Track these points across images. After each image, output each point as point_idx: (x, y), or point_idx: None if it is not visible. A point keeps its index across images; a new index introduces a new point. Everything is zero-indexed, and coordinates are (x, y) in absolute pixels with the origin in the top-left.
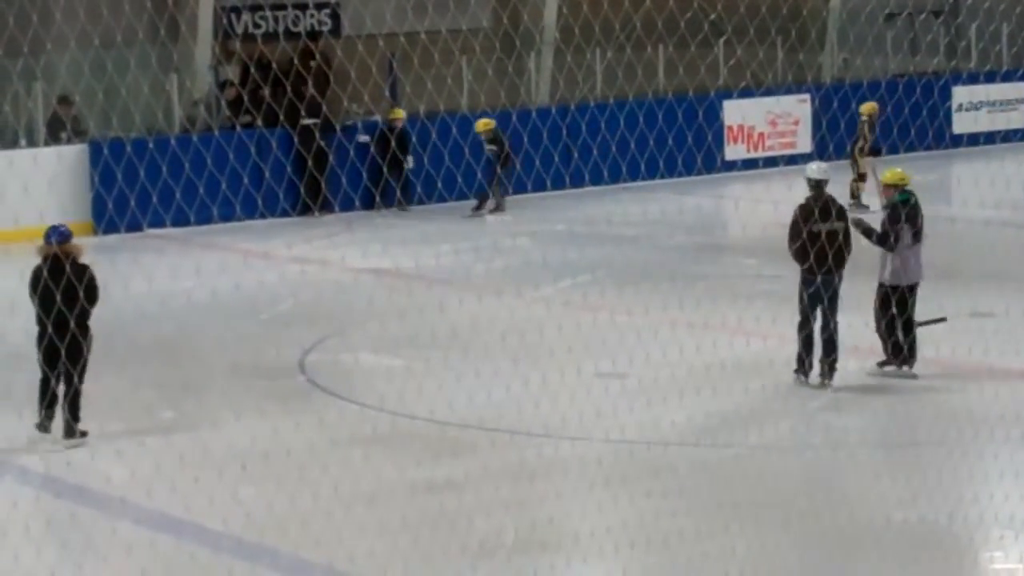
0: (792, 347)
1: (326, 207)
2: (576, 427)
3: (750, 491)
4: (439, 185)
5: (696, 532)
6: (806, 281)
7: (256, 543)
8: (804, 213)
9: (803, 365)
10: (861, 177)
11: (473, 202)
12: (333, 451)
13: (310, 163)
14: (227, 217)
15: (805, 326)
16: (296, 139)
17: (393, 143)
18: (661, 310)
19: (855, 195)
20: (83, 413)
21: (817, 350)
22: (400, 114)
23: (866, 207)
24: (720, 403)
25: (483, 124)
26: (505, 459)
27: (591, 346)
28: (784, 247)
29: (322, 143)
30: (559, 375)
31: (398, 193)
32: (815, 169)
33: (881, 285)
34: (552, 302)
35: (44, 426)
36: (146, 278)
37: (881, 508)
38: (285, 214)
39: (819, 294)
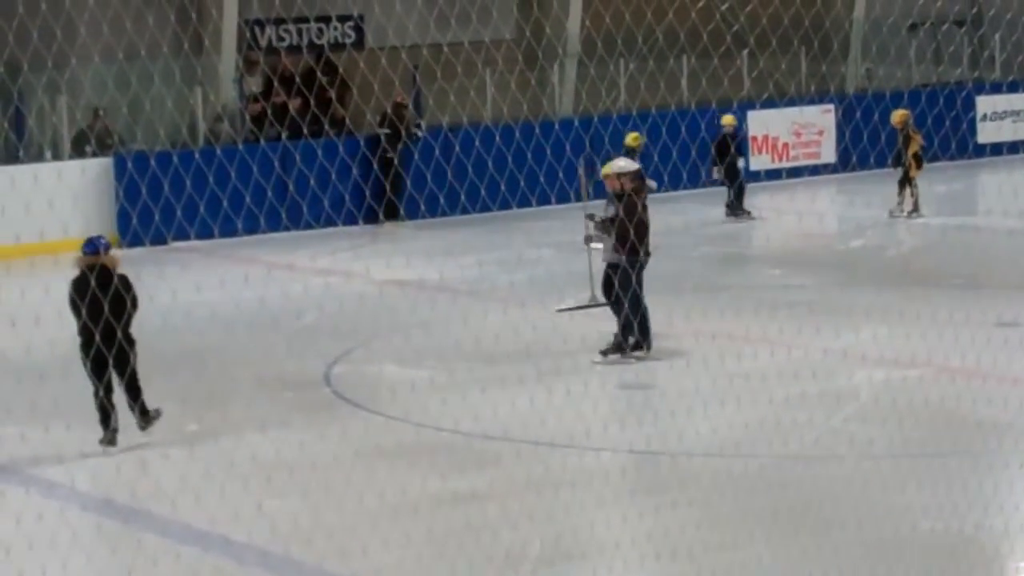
0: (816, 356)
1: (394, 215)
2: (600, 438)
3: (776, 502)
4: (462, 197)
5: (721, 543)
6: (642, 265)
7: (281, 555)
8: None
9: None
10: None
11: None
12: (358, 463)
13: (375, 169)
14: (251, 230)
15: (640, 305)
16: (367, 148)
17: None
18: (685, 320)
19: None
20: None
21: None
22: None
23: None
24: (745, 414)
25: (633, 138)
26: (530, 470)
27: (615, 357)
28: (813, 258)
29: (391, 152)
30: (583, 386)
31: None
32: (622, 165)
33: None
34: (576, 313)
35: (110, 439)
36: (170, 291)
37: (907, 518)
38: (309, 226)
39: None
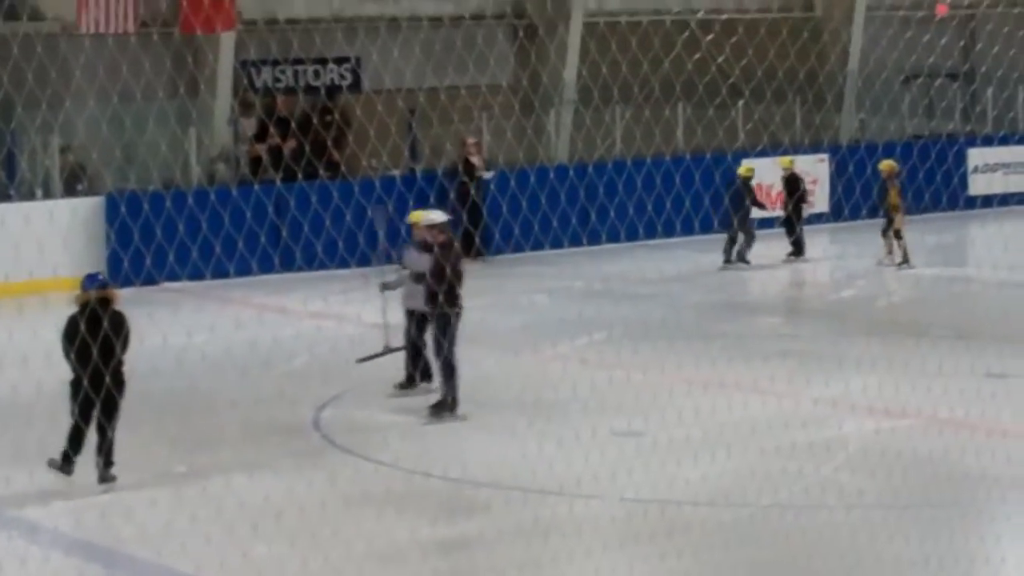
0: (807, 405)
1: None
2: (590, 486)
3: (765, 552)
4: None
5: None
6: (453, 318)
7: None
8: (453, 252)
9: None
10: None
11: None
12: (346, 509)
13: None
14: (243, 272)
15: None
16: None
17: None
18: (677, 369)
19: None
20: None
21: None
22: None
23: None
24: (735, 463)
25: (787, 161)
26: (519, 518)
27: (606, 404)
28: (805, 307)
29: (474, 193)
30: (574, 433)
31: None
32: (433, 217)
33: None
34: (568, 360)
35: (68, 469)
36: (160, 333)
37: (895, 570)
38: (301, 270)
39: None
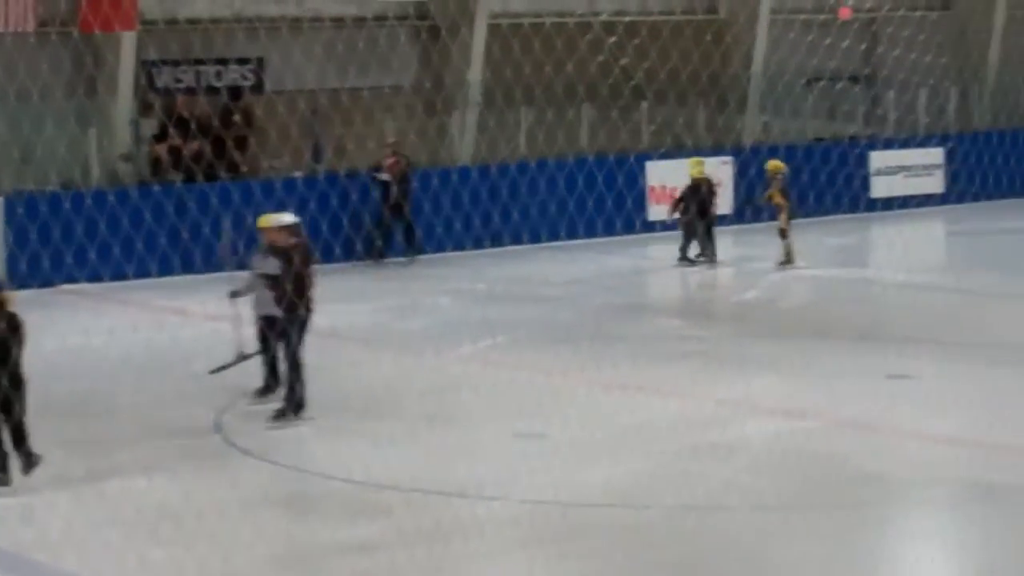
0: (709, 407)
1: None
2: (493, 488)
3: (667, 553)
4: (358, 245)
5: None
6: (304, 321)
7: None
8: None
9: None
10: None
11: None
12: (246, 513)
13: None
14: (143, 274)
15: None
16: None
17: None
18: (580, 371)
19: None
20: None
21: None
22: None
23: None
24: (637, 465)
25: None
26: (420, 521)
27: (509, 406)
28: (707, 309)
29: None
30: (476, 435)
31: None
32: (285, 219)
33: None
34: (471, 362)
35: (4, 480)
36: (59, 335)
37: (796, 570)
38: (201, 271)
39: None
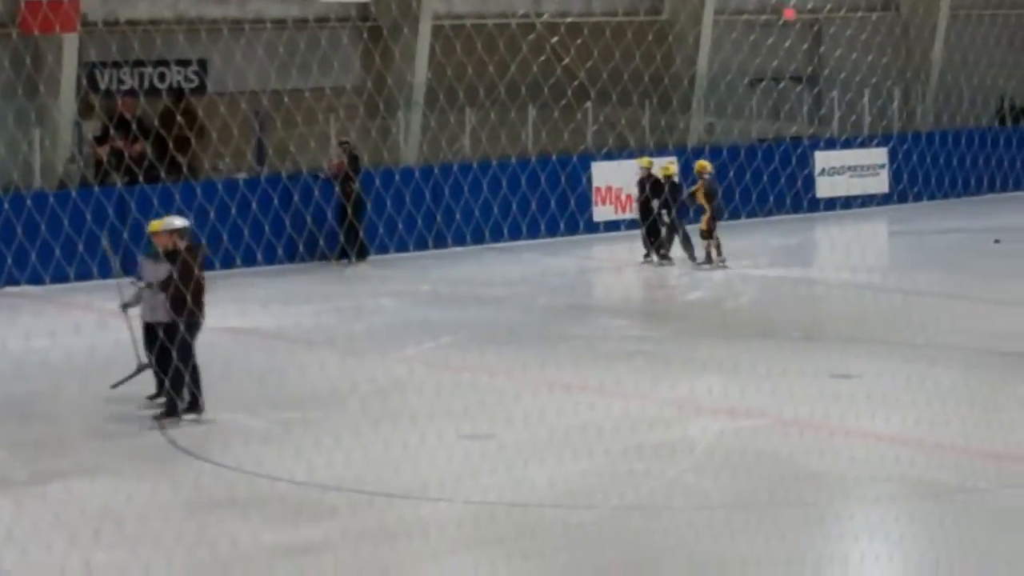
0: (653, 407)
1: (362, 254)
2: (437, 489)
3: (611, 554)
4: (300, 247)
5: None
6: (198, 326)
7: None
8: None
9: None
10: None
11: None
12: (190, 514)
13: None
14: (84, 276)
15: (194, 367)
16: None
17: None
18: (523, 371)
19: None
20: None
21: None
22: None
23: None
24: (581, 465)
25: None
26: (365, 522)
27: (453, 408)
28: (652, 309)
29: (359, 191)
30: (420, 437)
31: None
32: (177, 223)
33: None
34: (414, 363)
35: None
36: None
37: (741, 570)
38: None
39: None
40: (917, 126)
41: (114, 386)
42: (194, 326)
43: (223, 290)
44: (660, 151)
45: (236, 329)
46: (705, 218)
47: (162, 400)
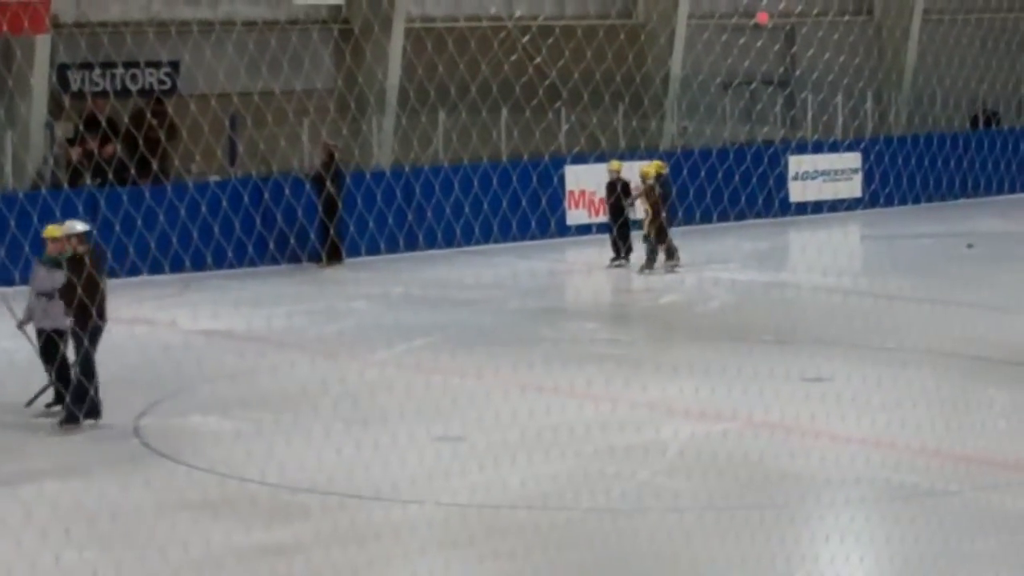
0: (625, 409)
1: (334, 257)
2: (408, 491)
3: (584, 555)
4: (271, 247)
5: None
6: (99, 330)
7: None
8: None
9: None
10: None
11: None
12: (162, 515)
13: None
14: None
15: (94, 373)
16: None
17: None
18: (495, 373)
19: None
20: None
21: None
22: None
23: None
24: (553, 467)
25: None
26: (336, 523)
27: (425, 410)
28: (624, 312)
29: (332, 191)
30: (392, 438)
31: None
32: (78, 227)
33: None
34: (387, 366)
35: None
36: None
37: (713, 571)
38: (113, 275)
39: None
40: (890, 130)
41: (28, 404)
42: (88, 330)
43: (197, 292)
44: (633, 154)
45: (208, 331)
46: (646, 222)
47: (60, 404)
